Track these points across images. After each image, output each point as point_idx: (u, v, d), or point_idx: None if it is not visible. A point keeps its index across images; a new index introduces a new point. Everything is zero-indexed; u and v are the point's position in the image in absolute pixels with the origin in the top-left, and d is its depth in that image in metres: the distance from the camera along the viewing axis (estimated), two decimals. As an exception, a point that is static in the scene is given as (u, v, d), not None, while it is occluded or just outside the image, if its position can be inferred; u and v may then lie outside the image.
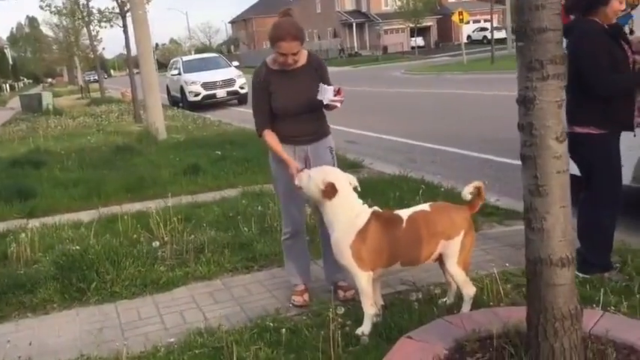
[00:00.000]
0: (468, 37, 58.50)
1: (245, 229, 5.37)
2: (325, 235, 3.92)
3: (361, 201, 3.47)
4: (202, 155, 9.52)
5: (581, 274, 3.84)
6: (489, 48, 31.73)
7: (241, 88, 21.40)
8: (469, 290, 3.46)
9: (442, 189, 6.27)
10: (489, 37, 53.56)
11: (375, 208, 3.46)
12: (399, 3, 52.15)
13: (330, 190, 3.34)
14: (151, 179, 7.82)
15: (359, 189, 3.49)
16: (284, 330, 3.44)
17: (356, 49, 62.91)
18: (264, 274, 4.58)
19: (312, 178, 3.43)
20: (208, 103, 21.05)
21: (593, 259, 3.92)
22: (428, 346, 2.86)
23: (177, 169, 8.43)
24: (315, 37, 69.24)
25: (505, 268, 4.13)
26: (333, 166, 3.89)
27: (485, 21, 51.56)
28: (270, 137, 3.81)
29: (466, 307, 3.46)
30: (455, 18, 32.38)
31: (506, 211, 5.62)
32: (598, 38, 3.73)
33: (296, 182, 3.55)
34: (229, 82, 21.23)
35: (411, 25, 53.01)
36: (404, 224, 3.35)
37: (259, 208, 5.80)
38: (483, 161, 8.20)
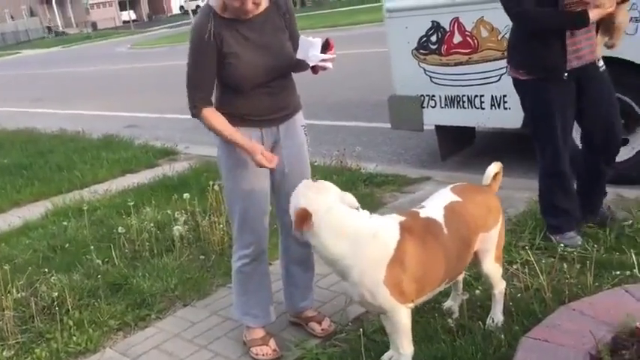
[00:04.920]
0: (181, 7, 57.27)
1: (98, 261, 3.82)
2: (290, 245, 2.83)
3: (367, 212, 2.40)
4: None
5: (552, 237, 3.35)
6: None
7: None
8: (502, 286, 2.71)
9: (315, 163, 5.35)
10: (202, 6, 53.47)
11: (395, 215, 2.42)
12: (103, -26, 48.31)
13: (298, 219, 2.28)
14: None
15: (359, 209, 2.39)
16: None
17: (60, 27, 56.92)
18: (172, 323, 3.21)
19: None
20: None
21: (547, 219, 3.44)
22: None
23: None
24: (7, 17, 60.79)
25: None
26: (307, 149, 2.78)
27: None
28: (214, 116, 2.53)
29: (500, 307, 2.70)
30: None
31: (396, 176, 5.00)
32: None
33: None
34: None
35: (121, -3, 49.67)
36: (444, 229, 2.40)
37: (119, 230, 4.10)
38: (325, 128, 7.38)
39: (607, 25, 3.08)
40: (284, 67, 2.59)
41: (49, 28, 55.90)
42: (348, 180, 4.87)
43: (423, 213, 2.45)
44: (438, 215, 2.42)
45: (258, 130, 2.63)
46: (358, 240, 2.29)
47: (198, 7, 45.73)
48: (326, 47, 2.49)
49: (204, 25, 2.44)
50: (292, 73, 2.69)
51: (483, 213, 2.52)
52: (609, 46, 3.16)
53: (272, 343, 2.81)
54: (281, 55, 2.56)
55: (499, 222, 2.58)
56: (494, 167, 2.66)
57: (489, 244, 2.56)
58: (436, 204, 2.49)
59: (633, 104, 4.11)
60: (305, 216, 2.26)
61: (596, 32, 3.12)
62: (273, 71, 2.55)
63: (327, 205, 2.31)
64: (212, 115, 2.53)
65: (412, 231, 2.33)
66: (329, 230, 2.28)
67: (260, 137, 2.63)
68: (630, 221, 3.32)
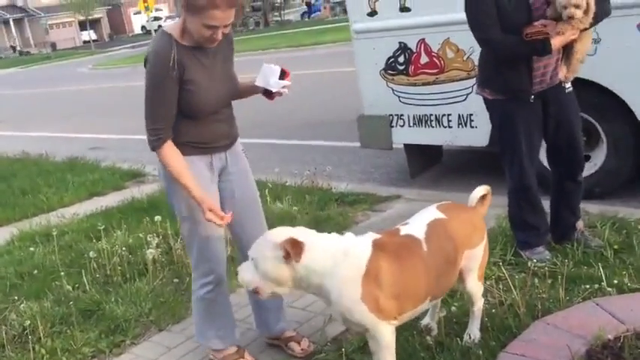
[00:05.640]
0: (143, 27, 56.86)
1: (68, 287, 3.75)
2: None
3: (334, 235, 2.45)
4: None
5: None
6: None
7: None
8: (481, 303, 2.75)
9: (286, 183, 5.36)
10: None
11: (370, 234, 2.45)
12: (62, -7, 47.87)
13: (293, 247, 2.26)
14: None
15: None
16: None
17: (19, 48, 55.92)
18: (148, 349, 3.16)
19: (260, 261, 2.32)
20: None
21: (516, 234, 3.53)
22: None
23: None
24: (-38, 37, 59.49)
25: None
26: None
27: (157, 10, 50.30)
28: (174, 154, 2.54)
29: (477, 323, 2.75)
30: (140, 6, 30.59)
31: (367, 195, 5.05)
32: None
33: (249, 288, 2.42)
34: None
35: (81, 17, 49.12)
36: (424, 245, 2.43)
37: (91, 255, 4.03)
38: (293, 147, 7.44)
39: (569, 51, 3.17)
40: (233, 95, 2.68)
41: (13, 48, 55.06)
42: (320, 199, 4.90)
43: (404, 230, 2.49)
44: (419, 232, 2.45)
45: (208, 157, 2.66)
46: (335, 260, 2.32)
47: (160, 27, 45.48)
48: (283, 74, 2.60)
49: (168, 53, 2.43)
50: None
51: (468, 230, 2.56)
52: (564, 76, 3.22)
53: (247, 354, 2.85)
54: (231, 84, 2.64)
55: (484, 240, 2.63)
56: (481, 190, 2.73)
57: (473, 262, 2.60)
58: (419, 221, 2.53)
59: (594, 122, 4.26)
60: (298, 243, 2.27)
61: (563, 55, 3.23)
62: (225, 99, 2.63)
63: (307, 233, 2.37)
64: (172, 152, 2.53)
65: (385, 247, 2.36)
66: (317, 254, 2.30)
67: (209, 164, 2.67)
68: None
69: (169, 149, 2.52)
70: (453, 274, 2.54)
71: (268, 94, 2.66)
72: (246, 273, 2.37)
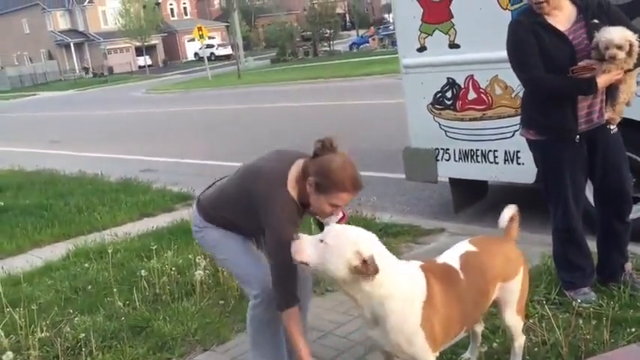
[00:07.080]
0: (195, 54, 58.53)
1: (119, 303, 3.90)
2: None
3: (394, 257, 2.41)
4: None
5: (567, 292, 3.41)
6: (218, 64, 31.83)
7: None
8: (522, 340, 2.76)
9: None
10: (217, 53, 54.96)
11: (413, 261, 2.48)
12: (122, 21, 49.70)
13: (370, 267, 2.18)
14: None
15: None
16: None
17: (77, 71, 58.28)
18: (193, 367, 3.28)
19: (334, 249, 2.22)
20: None
21: (561, 275, 3.51)
22: None
23: (-52, 232, 6.17)
24: (26, 60, 62.28)
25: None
26: None
27: (210, 38, 51.75)
28: (298, 322, 2.67)
29: (518, 360, 2.76)
30: (194, 34, 31.64)
31: (410, 227, 5.09)
32: (520, 25, 3.17)
33: (299, 259, 2.32)
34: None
35: (138, 43, 50.93)
36: (461, 275, 2.47)
37: (142, 273, 4.15)
38: None
39: (614, 92, 3.15)
40: None
41: (85, 69, 57.39)
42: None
43: (440, 259, 2.55)
44: (455, 263, 2.50)
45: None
46: (404, 285, 2.29)
47: (212, 54, 46.70)
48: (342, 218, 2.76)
49: (296, 212, 2.65)
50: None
51: (501, 263, 2.59)
52: (610, 118, 3.19)
53: None
54: None
55: (519, 273, 2.63)
56: (509, 210, 2.76)
57: (509, 295, 2.61)
58: (452, 253, 2.58)
59: (643, 163, 4.21)
60: (374, 265, 2.17)
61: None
62: None
63: (378, 250, 2.27)
64: (297, 317, 2.65)
65: (434, 274, 2.39)
66: (385, 277, 2.23)
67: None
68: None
69: (295, 317, 2.63)
70: (484, 306, 2.57)
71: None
72: (309, 247, 2.27)
